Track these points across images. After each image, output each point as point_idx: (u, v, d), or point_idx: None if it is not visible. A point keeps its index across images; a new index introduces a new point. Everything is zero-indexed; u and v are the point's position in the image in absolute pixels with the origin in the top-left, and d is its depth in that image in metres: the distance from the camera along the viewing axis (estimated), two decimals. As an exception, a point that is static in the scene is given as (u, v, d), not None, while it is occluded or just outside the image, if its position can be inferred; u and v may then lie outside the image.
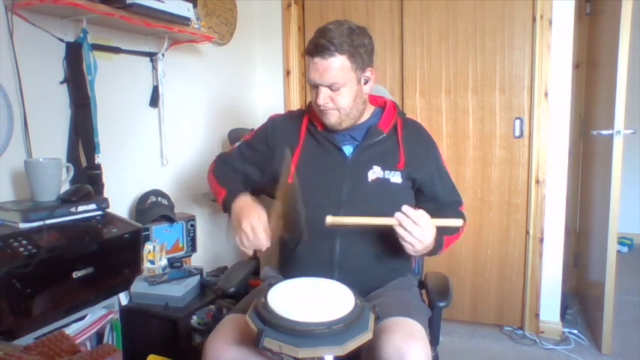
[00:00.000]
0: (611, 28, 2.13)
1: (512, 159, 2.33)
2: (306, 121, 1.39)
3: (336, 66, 1.21)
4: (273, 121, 1.46)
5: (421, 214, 1.13)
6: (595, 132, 2.30)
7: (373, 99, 1.43)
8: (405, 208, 1.12)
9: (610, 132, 2.10)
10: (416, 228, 1.12)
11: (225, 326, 1.15)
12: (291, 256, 1.34)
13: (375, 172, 1.30)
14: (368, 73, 1.30)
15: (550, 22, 2.18)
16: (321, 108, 1.27)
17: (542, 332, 2.35)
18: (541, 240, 2.31)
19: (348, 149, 1.34)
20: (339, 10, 2.57)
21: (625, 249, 3.75)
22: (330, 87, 1.24)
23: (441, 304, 1.26)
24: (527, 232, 2.33)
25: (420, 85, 2.44)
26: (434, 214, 1.25)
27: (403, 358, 0.99)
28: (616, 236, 2.11)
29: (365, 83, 1.30)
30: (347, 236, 1.27)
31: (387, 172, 1.30)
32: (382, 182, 1.30)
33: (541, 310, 2.35)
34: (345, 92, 1.25)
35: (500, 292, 2.42)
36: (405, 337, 1.02)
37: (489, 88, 2.33)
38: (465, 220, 1.35)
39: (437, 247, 1.22)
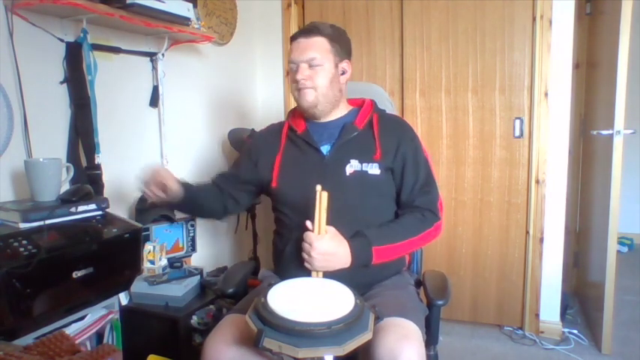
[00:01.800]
0: (611, 28, 2.13)
1: (512, 159, 2.33)
2: (286, 128, 1.44)
3: (317, 45, 1.33)
4: (254, 136, 1.54)
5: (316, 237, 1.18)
6: (595, 132, 2.30)
7: (353, 101, 1.48)
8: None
9: (610, 132, 2.10)
10: (305, 245, 1.19)
11: (224, 326, 1.15)
12: (282, 257, 1.36)
13: (352, 166, 1.32)
14: (344, 65, 1.39)
15: (550, 22, 2.18)
16: (299, 86, 1.33)
17: (542, 332, 2.35)
18: (541, 240, 2.31)
19: (325, 148, 1.37)
20: (339, 10, 2.57)
21: (625, 249, 3.75)
22: (309, 63, 1.32)
23: (440, 302, 1.26)
24: (527, 232, 2.33)
25: (420, 85, 2.44)
26: (403, 209, 1.35)
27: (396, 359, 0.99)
28: (616, 236, 2.11)
29: (342, 74, 1.38)
30: None
31: (364, 164, 1.32)
32: (360, 174, 1.31)
33: (541, 310, 2.35)
34: (322, 72, 1.33)
35: (500, 292, 2.42)
36: (398, 338, 1.02)
37: (489, 88, 2.33)
38: (438, 218, 1.34)
39: (363, 258, 1.22)
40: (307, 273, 1.23)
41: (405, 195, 1.35)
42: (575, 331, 2.36)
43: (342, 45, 1.37)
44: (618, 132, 2.06)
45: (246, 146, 1.53)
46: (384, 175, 1.33)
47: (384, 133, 1.37)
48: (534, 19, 2.21)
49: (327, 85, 1.34)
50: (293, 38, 1.36)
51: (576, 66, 2.75)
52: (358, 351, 1.03)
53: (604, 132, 2.18)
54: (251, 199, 1.52)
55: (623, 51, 2.01)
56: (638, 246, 3.91)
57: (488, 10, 2.28)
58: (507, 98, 2.31)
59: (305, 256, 1.19)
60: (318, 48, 1.32)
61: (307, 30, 1.34)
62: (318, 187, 1.17)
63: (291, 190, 1.35)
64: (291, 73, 1.37)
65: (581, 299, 2.74)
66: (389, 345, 1.01)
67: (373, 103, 1.45)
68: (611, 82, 2.09)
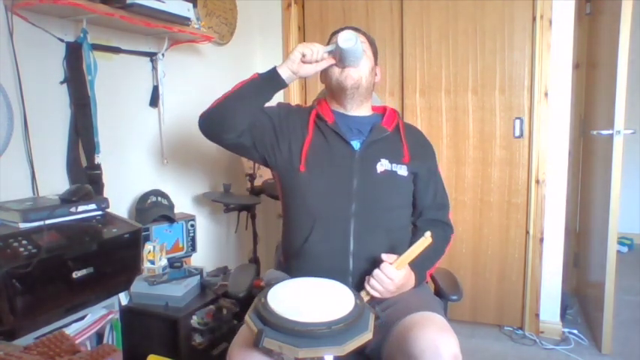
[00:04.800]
0: (611, 28, 2.13)
1: (512, 159, 2.33)
2: (314, 115, 1.40)
3: (364, 38, 1.38)
4: (285, 107, 1.45)
5: (388, 272, 1.19)
6: (595, 132, 2.30)
7: (373, 107, 1.49)
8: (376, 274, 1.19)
9: (610, 132, 2.10)
10: (382, 277, 1.19)
11: (243, 333, 1.11)
12: (301, 251, 1.32)
13: (383, 165, 1.33)
14: (377, 69, 1.43)
15: (550, 22, 2.18)
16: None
17: (542, 332, 2.35)
18: (541, 240, 2.31)
19: (355, 144, 1.36)
20: (339, 10, 2.57)
21: (625, 249, 3.75)
22: None
23: (454, 297, 1.32)
24: (527, 232, 2.33)
25: (420, 85, 2.44)
26: (420, 217, 1.40)
27: (438, 351, 1.00)
28: (616, 236, 2.11)
29: (374, 75, 1.41)
30: (360, 226, 1.28)
31: (394, 165, 1.34)
32: (390, 174, 1.33)
33: (541, 310, 2.35)
34: (367, 58, 1.36)
35: (500, 292, 2.42)
36: (438, 330, 1.04)
37: (489, 88, 2.33)
38: (453, 230, 1.43)
39: (421, 282, 1.31)
40: (336, 263, 1.26)
41: (426, 203, 1.40)
42: (575, 331, 2.36)
43: (376, 52, 1.44)
44: (618, 132, 2.06)
45: (284, 106, 1.46)
46: (409, 178, 1.36)
47: (411, 140, 1.40)
48: (534, 19, 2.21)
49: (369, 73, 1.36)
50: (340, 30, 1.35)
51: (576, 66, 2.75)
52: (383, 348, 1.08)
53: (604, 132, 2.18)
54: (246, 145, 1.37)
55: (623, 51, 2.01)
56: (638, 246, 3.91)
57: (488, 10, 2.28)
58: (507, 98, 2.31)
59: (376, 285, 1.18)
60: (364, 39, 1.37)
61: (354, 28, 1.38)
62: (428, 234, 1.18)
63: (319, 178, 1.32)
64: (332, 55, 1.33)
65: (581, 299, 2.74)
66: (430, 336, 1.02)
67: (396, 110, 1.48)
68: (611, 82, 2.09)
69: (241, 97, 1.32)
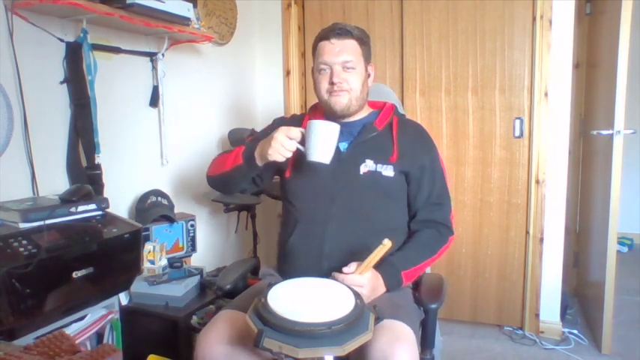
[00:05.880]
0: (611, 28, 2.13)
1: (512, 159, 2.33)
2: (306, 121, 1.41)
3: (351, 47, 1.31)
4: (279, 121, 1.47)
5: (351, 278, 1.17)
6: (595, 132, 2.30)
7: (373, 103, 1.47)
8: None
9: (610, 132, 2.10)
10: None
11: (218, 322, 1.15)
12: (285, 249, 1.37)
13: (367, 166, 1.32)
14: (370, 68, 1.38)
15: (550, 22, 2.18)
16: (335, 87, 1.30)
17: (542, 332, 2.35)
18: (541, 240, 2.31)
19: (343, 145, 1.35)
20: (339, 10, 2.57)
21: (625, 249, 3.75)
22: (344, 66, 1.29)
23: (432, 305, 1.24)
24: (527, 232, 2.33)
25: (420, 85, 2.44)
26: (416, 220, 1.35)
27: None
28: (616, 236, 2.11)
29: (368, 77, 1.37)
30: (337, 229, 1.28)
31: (379, 165, 1.31)
32: (373, 175, 1.31)
33: (541, 310, 2.35)
34: (355, 74, 1.31)
35: (500, 292, 2.42)
36: (390, 340, 1.02)
37: (489, 88, 2.33)
38: (452, 232, 1.37)
39: (394, 285, 1.25)
40: (311, 263, 1.25)
41: (419, 203, 1.36)
42: (575, 331, 2.36)
43: (368, 48, 1.37)
44: (618, 132, 2.06)
45: (267, 127, 1.47)
46: (398, 177, 1.32)
47: (403, 137, 1.36)
48: (534, 18, 2.20)
49: (360, 88, 1.32)
50: (323, 38, 1.32)
51: (576, 66, 2.75)
52: (351, 353, 1.04)
53: (604, 132, 2.18)
54: (270, 177, 1.45)
55: (623, 51, 2.01)
56: (638, 246, 3.91)
57: (488, 10, 2.28)
58: (507, 98, 2.31)
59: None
60: (351, 50, 1.30)
61: (338, 31, 1.30)
62: (385, 241, 1.14)
63: (302, 183, 1.35)
64: (321, 74, 1.33)
65: (581, 299, 2.74)
66: (381, 347, 1.01)
67: (394, 107, 1.45)
68: (611, 82, 2.09)
69: (234, 179, 1.38)
